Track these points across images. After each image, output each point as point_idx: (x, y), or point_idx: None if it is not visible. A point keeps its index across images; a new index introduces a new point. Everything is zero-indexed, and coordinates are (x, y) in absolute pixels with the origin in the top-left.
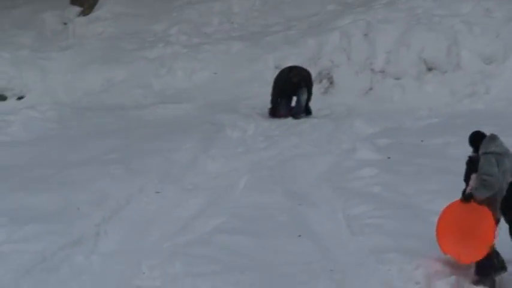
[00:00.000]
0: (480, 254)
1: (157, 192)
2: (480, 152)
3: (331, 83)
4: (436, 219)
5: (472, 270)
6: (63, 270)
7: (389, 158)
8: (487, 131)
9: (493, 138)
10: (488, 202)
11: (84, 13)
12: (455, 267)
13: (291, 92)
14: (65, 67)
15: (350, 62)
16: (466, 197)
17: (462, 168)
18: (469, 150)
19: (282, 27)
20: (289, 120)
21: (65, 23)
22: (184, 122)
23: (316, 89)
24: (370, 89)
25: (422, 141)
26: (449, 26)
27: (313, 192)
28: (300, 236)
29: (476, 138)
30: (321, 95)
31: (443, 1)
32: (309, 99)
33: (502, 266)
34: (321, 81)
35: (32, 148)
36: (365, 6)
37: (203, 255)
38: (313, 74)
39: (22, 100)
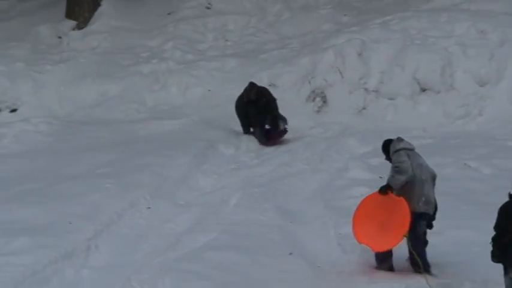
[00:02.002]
0: (394, 242)
1: (149, 207)
2: (391, 153)
3: (325, 101)
4: (429, 239)
5: None
6: (53, 283)
7: (381, 177)
8: (479, 152)
9: (399, 139)
10: (405, 194)
11: (79, 27)
12: (445, 287)
13: (257, 114)
14: (59, 80)
15: (344, 81)
16: (383, 189)
17: (454, 189)
18: (464, 172)
19: (277, 45)
20: (283, 137)
21: (60, 37)
22: (177, 138)
23: (309, 107)
24: (364, 108)
25: None
26: (443, 47)
27: (305, 210)
28: (291, 253)
29: (387, 145)
30: (314, 113)
31: (438, 22)
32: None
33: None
34: (314, 100)
35: (24, 161)
36: (360, 25)
37: (193, 271)
38: (307, 92)
39: (15, 113)
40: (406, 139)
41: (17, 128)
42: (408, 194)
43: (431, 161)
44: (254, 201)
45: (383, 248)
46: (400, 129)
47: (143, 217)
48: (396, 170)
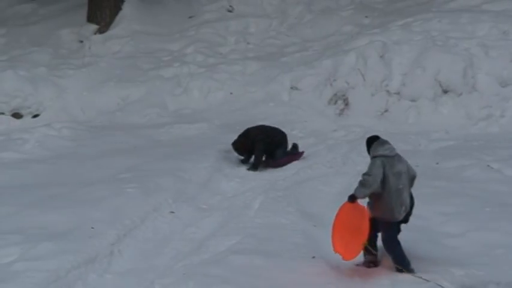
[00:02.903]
0: (357, 251)
1: (172, 212)
2: (370, 155)
3: (347, 104)
4: (452, 242)
5: None
6: None
7: None
8: (502, 154)
9: (382, 143)
10: (378, 202)
11: (101, 31)
12: None
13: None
14: (80, 85)
15: (365, 84)
16: (350, 198)
17: (477, 191)
18: (486, 174)
19: (298, 47)
20: (305, 141)
21: (81, 41)
22: (199, 142)
23: (331, 110)
24: (386, 110)
25: (437, 163)
26: (465, 48)
27: (328, 213)
28: (314, 257)
29: (371, 143)
30: (336, 116)
31: (459, 23)
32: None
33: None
34: (336, 103)
35: (47, 166)
36: (381, 27)
37: (217, 275)
38: (329, 95)
39: (37, 118)
40: (424, 140)
41: (39, 133)
42: (387, 204)
43: (453, 163)
44: (277, 205)
45: (352, 256)
46: (422, 131)
47: (166, 221)
48: (362, 182)
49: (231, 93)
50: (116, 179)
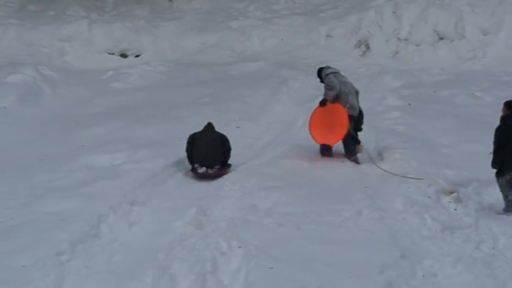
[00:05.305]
0: (342, 133)
1: (238, 127)
2: (323, 77)
3: (368, 48)
4: (445, 150)
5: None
6: (168, 183)
7: (410, 104)
8: (483, 85)
9: (327, 67)
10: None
11: None
12: (457, 185)
13: None
14: (170, 33)
15: (382, 33)
16: (321, 102)
17: (464, 112)
18: (472, 100)
19: (331, 6)
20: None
21: (171, 0)
22: (258, 76)
23: (356, 52)
24: (397, 53)
25: (435, 92)
26: (456, 6)
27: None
28: (343, 161)
29: (320, 71)
30: (360, 56)
31: None
32: None
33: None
34: (360, 47)
35: (145, 93)
36: None
37: (272, 173)
38: (354, 41)
39: (139, 58)
40: (425, 74)
41: (140, 69)
42: (337, 103)
43: (447, 92)
44: None
45: (336, 140)
46: (424, 68)
47: (234, 134)
48: (328, 87)
49: (282, 40)
50: (197, 102)
